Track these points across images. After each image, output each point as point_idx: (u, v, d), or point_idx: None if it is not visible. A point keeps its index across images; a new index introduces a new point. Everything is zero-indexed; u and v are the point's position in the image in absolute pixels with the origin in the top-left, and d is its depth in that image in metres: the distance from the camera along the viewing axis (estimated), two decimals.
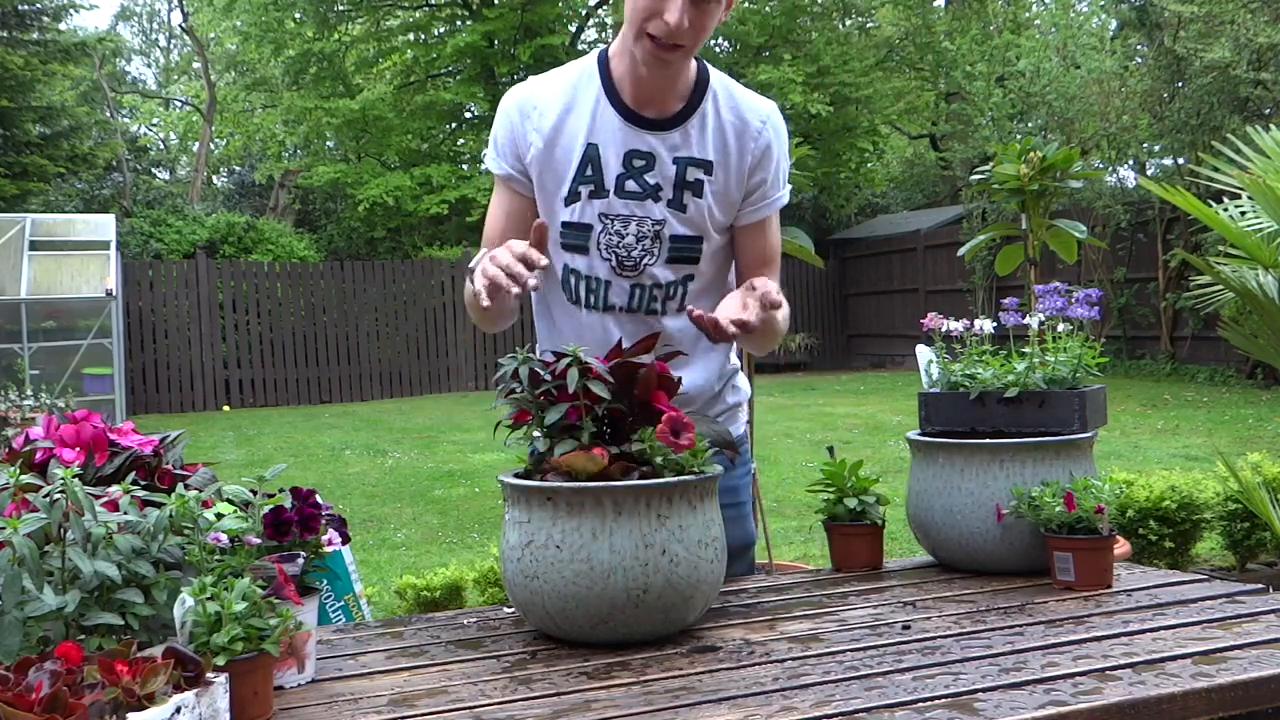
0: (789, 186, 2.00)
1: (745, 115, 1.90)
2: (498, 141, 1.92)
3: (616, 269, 1.88)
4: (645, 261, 1.89)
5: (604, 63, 1.89)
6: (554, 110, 1.87)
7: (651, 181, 1.86)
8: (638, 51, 1.77)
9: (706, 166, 1.87)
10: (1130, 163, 13.40)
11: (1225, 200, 3.74)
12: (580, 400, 1.52)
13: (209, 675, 1.14)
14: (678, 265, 1.91)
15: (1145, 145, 12.84)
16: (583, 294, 1.91)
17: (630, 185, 1.86)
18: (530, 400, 1.56)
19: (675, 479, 1.49)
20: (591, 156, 1.85)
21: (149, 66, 35.50)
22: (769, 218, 1.96)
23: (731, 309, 1.66)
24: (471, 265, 1.72)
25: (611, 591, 1.46)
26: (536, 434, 1.59)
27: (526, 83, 1.94)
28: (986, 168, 3.79)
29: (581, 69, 1.91)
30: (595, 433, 1.54)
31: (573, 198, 1.87)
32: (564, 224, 1.88)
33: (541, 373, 1.55)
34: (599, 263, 1.89)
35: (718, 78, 1.91)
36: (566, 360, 1.51)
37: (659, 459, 1.52)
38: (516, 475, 1.58)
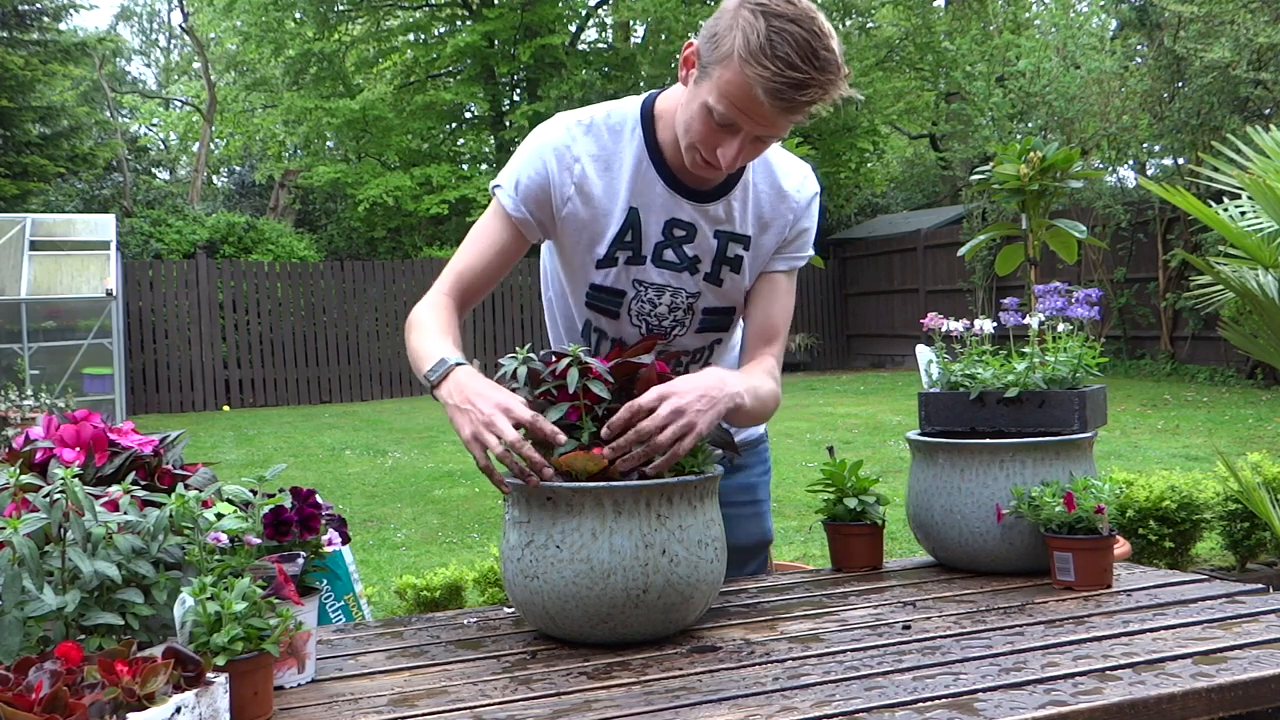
0: (812, 250, 1.94)
1: (782, 184, 1.82)
2: (520, 183, 1.77)
3: (645, 336, 1.83)
4: (675, 332, 1.84)
5: (648, 118, 1.76)
6: (595, 166, 1.75)
7: (690, 253, 1.79)
8: (685, 157, 1.68)
9: (746, 242, 1.81)
10: (1130, 163, 13.40)
11: (1225, 200, 3.73)
12: (580, 400, 1.52)
13: (209, 675, 1.14)
14: (706, 334, 1.87)
15: (1145, 145, 12.84)
16: (605, 351, 1.86)
17: (669, 255, 1.78)
18: (530, 400, 1.56)
19: (675, 479, 1.49)
20: (633, 222, 1.76)
21: (149, 66, 35.52)
22: (788, 274, 1.89)
23: None
24: (430, 374, 1.59)
25: (611, 591, 1.46)
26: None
27: (561, 127, 1.77)
28: (986, 168, 3.79)
29: (624, 119, 1.77)
30: (595, 433, 1.54)
31: (609, 262, 1.78)
32: (594, 285, 1.81)
33: (542, 372, 1.55)
34: (628, 328, 1.83)
35: None
36: (566, 360, 1.51)
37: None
38: None
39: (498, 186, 1.81)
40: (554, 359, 1.54)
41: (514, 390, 1.56)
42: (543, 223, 1.78)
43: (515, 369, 1.55)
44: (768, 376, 1.79)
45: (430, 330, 1.71)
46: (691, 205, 1.76)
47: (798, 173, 1.85)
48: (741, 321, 1.93)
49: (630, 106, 1.78)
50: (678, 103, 1.70)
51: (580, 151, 1.75)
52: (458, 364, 1.59)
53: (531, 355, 1.57)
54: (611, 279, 1.80)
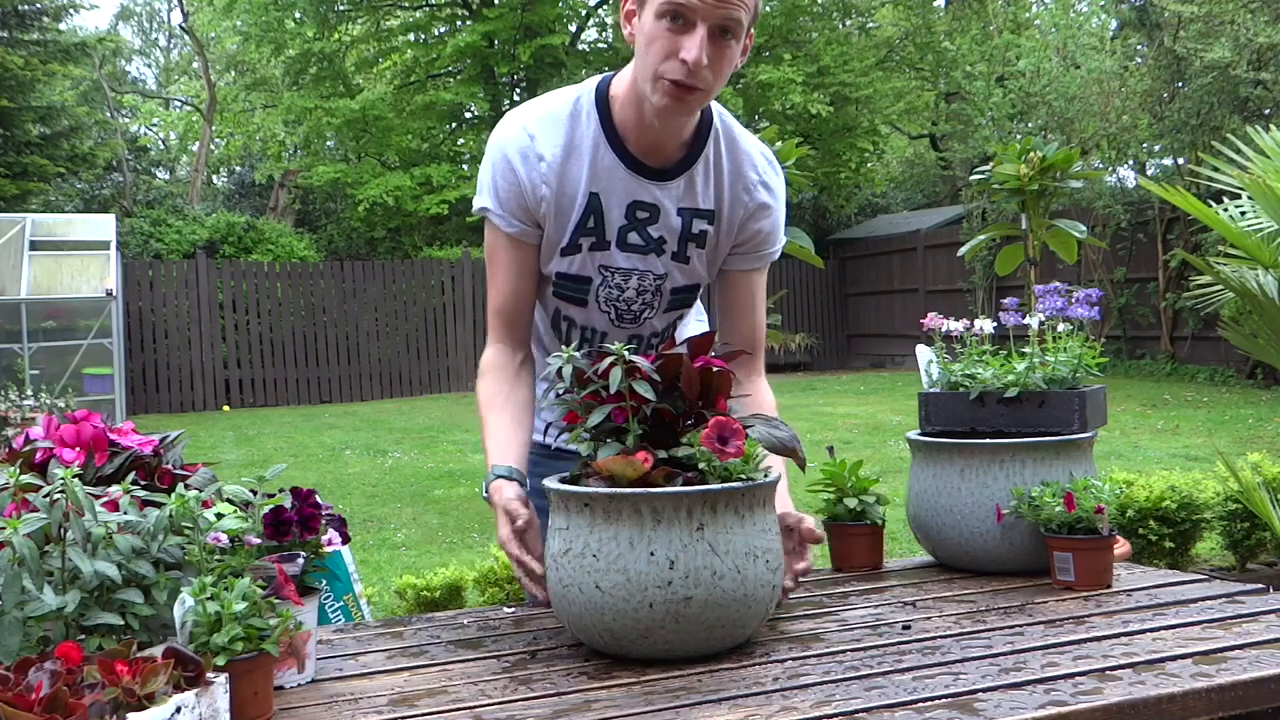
0: (784, 240, 1.92)
1: (742, 164, 1.80)
2: (500, 196, 1.76)
3: (615, 321, 1.83)
4: (645, 315, 1.84)
5: (602, 101, 1.74)
6: (556, 156, 1.73)
7: (655, 234, 1.77)
8: (654, 98, 1.64)
9: (709, 216, 1.79)
10: (1130, 163, 13.40)
11: (1225, 200, 3.74)
12: (626, 401, 1.44)
13: (209, 675, 1.14)
14: (673, 313, 1.88)
15: (1145, 145, 12.84)
16: (575, 340, 1.85)
17: (633, 238, 1.77)
18: (577, 402, 1.48)
19: (717, 486, 1.39)
20: (594, 207, 1.74)
21: (149, 66, 35.50)
22: (760, 271, 1.87)
23: (793, 564, 1.70)
24: (489, 494, 1.79)
25: (649, 604, 1.38)
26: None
27: (518, 125, 1.76)
28: (986, 168, 3.80)
29: (577, 103, 1.75)
30: (641, 435, 1.45)
31: (572, 249, 1.77)
32: (559, 274, 1.80)
33: (587, 371, 1.47)
34: (597, 314, 1.83)
35: (720, 117, 1.79)
36: (610, 360, 1.43)
37: (704, 464, 1.44)
38: (561, 479, 1.50)
39: (484, 209, 1.80)
40: (599, 357, 1.47)
41: (562, 394, 1.51)
42: (536, 224, 1.78)
43: (560, 368, 1.49)
44: (768, 396, 1.93)
45: (488, 424, 1.84)
46: (654, 185, 1.75)
47: (759, 156, 1.84)
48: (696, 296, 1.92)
49: (584, 90, 1.77)
50: (634, 75, 1.69)
51: (542, 146, 1.74)
52: (497, 477, 1.77)
53: (575, 354, 1.49)
54: (576, 266, 1.79)
